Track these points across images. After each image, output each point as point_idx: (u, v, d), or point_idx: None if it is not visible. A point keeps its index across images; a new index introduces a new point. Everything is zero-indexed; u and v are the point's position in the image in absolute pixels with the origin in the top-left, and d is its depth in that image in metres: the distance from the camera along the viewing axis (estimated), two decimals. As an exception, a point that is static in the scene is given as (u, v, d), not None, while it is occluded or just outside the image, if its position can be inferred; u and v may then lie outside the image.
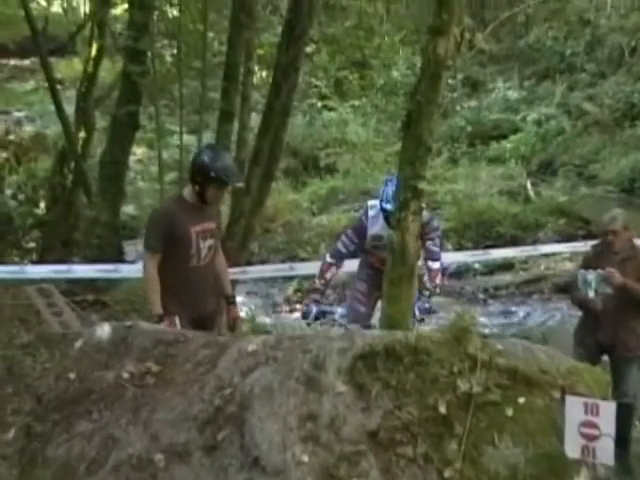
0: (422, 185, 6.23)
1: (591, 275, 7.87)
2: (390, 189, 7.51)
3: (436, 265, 7.92)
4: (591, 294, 7.85)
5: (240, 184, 7.57)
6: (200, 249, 7.12)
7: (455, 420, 4.39)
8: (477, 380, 4.48)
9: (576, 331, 8.57)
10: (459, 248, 16.42)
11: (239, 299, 14.28)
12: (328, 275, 8.07)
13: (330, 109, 23.78)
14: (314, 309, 7.84)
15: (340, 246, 8.17)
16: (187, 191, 7.20)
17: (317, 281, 8.13)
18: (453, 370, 4.52)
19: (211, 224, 7.24)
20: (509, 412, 4.42)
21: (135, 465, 4.62)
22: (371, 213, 8.08)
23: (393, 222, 6.25)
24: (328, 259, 8.18)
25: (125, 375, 5.03)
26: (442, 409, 4.41)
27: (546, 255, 15.44)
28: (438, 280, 7.95)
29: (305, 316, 7.87)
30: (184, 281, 7.05)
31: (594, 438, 4.14)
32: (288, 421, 4.44)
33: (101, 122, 16.80)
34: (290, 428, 4.42)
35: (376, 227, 7.99)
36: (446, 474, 4.27)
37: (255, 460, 4.37)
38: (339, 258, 8.15)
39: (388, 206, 7.50)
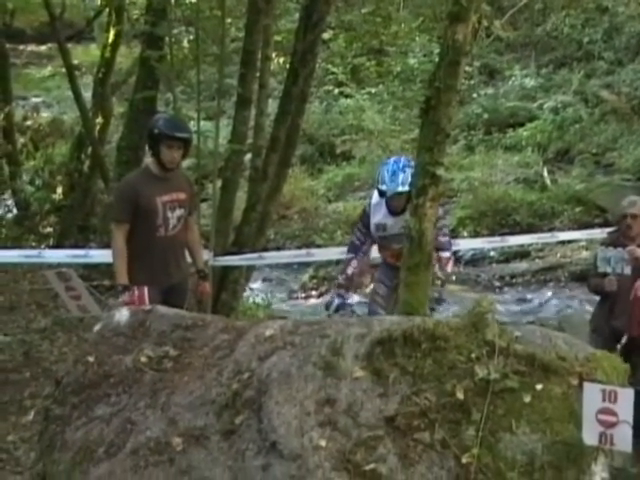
0: (440, 171, 6.23)
1: (611, 252, 7.89)
2: (385, 171, 7.77)
3: (447, 254, 7.98)
4: (609, 270, 7.86)
5: (184, 135, 7.26)
6: (167, 219, 7.19)
7: (473, 406, 4.38)
8: (495, 366, 4.47)
9: (592, 318, 8.58)
10: (475, 235, 16.38)
11: (255, 285, 14.38)
12: (350, 270, 8.17)
13: (347, 96, 23.71)
14: (336, 301, 8.08)
15: (354, 239, 8.32)
16: (150, 161, 7.36)
17: (340, 277, 8.29)
18: (471, 356, 4.52)
19: (180, 194, 7.30)
20: (527, 399, 4.40)
21: (153, 449, 4.64)
22: (373, 201, 8.16)
23: (410, 209, 6.23)
24: (347, 255, 8.33)
25: (143, 359, 5.04)
26: (460, 395, 4.41)
27: (562, 243, 15.40)
28: (449, 268, 8.03)
29: (327, 307, 8.16)
30: (151, 251, 7.12)
31: (612, 425, 4.13)
32: (306, 406, 4.45)
33: (118, 108, 16.80)
34: (308, 413, 4.43)
35: (378, 216, 8.06)
36: (463, 460, 4.26)
37: (272, 444, 4.38)
38: (355, 251, 8.22)
39: (383, 187, 7.76)
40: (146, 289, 6.94)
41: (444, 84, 6.31)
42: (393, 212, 7.90)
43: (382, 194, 7.87)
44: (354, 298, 8.29)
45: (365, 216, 8.22)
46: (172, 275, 7.29)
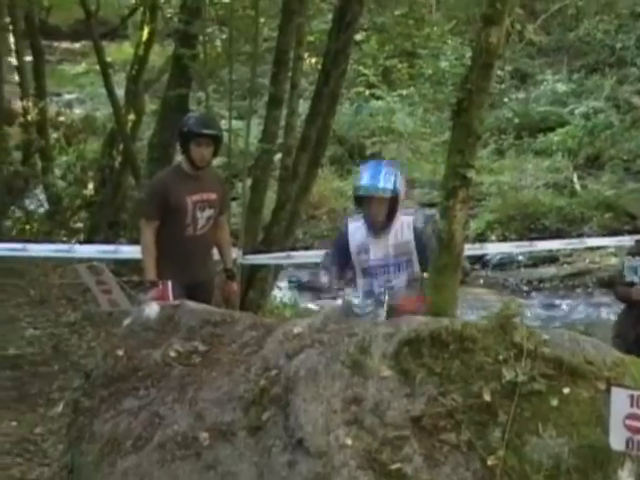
0: (470, 174, 6.22)
1: (638, 262, 7.87)
2: (364, 170, 6.70)
3: None
4: (636, 279, 7.84)
5: (212, 132, 7.26)
6: (196, 219, 7.20)
7: (499, 408, 4.38)
8: (522, 369, 4.46)
9: (616, 323, 8.54)
10: (503, 239, 16.36)
11: (282, 284, 14.39)
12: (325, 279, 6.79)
13: (377, 98, 23.68)
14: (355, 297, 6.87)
15: (321, 273, 6.94)
16: (181, 159, 7.41)
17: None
18: (498, 358, 4.51)
19: (211, 194, 7.29)
20: (554, 402, 4.40)
21: (180, 443, 4.67)
22: (351, 226, 6.85)
23: (440, 211, 6.23)
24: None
25: (172, 354, 5.06)
26: (487, 397, 4.40)
27: (591, 249, 15.34)
28: None
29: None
30: (178, 249, 7.12)
31: (639, 431, 4.12)
32: (332, 404, 4.45)
33: (150, 105, 16.87)
34: (334, 411, 4.44)
35: (358, 237, 6.74)
36: (489, 462, 4.26)
37: (299, 441, 4.39)
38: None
39: (360, 182, 6.59)
40: (170, 284, 6.96)
41: (476, 86, 6.29)
42: (374, 230, 6.61)
43: (358, 200, 6.68)
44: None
45: (338, 237, 7.04)
46: (198, 273, 7.30)
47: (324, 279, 6.79)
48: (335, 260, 6.82)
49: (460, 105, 6.53)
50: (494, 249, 14.26)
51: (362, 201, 6.60)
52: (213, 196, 7.29)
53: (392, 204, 6.45)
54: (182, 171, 7.31)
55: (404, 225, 6.58)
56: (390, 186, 6.42)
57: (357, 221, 6.78)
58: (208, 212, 7.24)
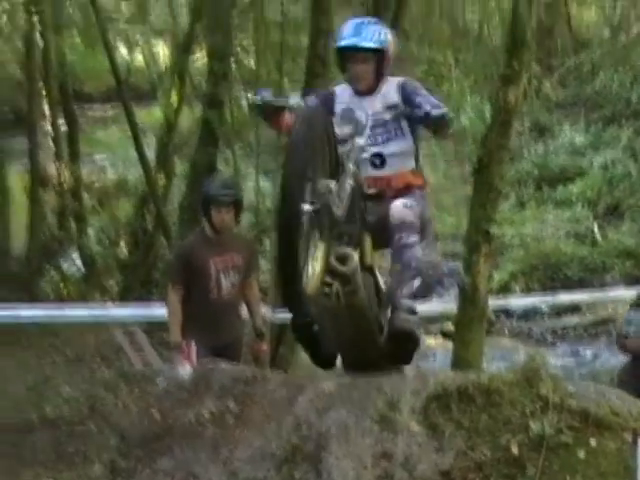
0: (493, 229, 6.25)
1: (634, 315, 7.93)
2: (347, 25, 5.60)
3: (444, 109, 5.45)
4: (631, 332, 7.88)
5: (230, 197, 7.12)
6: (220, 282, 7.12)
7: (527, 461, 4.35)
8: (549, 421, 4.43)
9: (620, 370, 8.53)
10: (527, 289, 16.33)
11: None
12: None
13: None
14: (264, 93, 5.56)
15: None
16: (204, 224, 7.29)
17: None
18: (525, 411, 4.49)
19: (235, 258, 7.23)
20: (581, 454, 4.37)
21: (215, 501, 4.66)
22: (338, 89, 5.86)
23: (464, 265, 6.23)
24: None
25: (205, 413, 5.06)
26: (514, 450, 4.38)
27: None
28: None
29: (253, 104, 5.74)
30: (204, 312, 7.05)
31: (666, 481, 4.09)
32: (363, 460, 4.44)
33: (180, 167, 16.99)
34: (365, 466, 4.42)
35: (343, 99, 5.76)
36: (518, 515, 4.25)
37: (331, 498, 4.38)
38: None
39: (342, 43, 5.53)
40: (194, 347, 6.95)
41: (496, 144, 6.37)
42: (360, 93, 5.67)
43: (341, 60, 5.65)
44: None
45: (325, 94, 5.98)
46: (224, 335, 7.22)
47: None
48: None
49: (481, 162, 6.61)
50: (517, 302, 14.23)
51: (345, 61, 5.64)
52: (238, 259, 7.24)
53: (379, 61, 5.55)
54: (205, 235, 7.28)
55: (391, 88, 5.65)
56: (375, 39, 5.48)
57: (343, 85, 5.84)
58: (233, 275, 7.18)
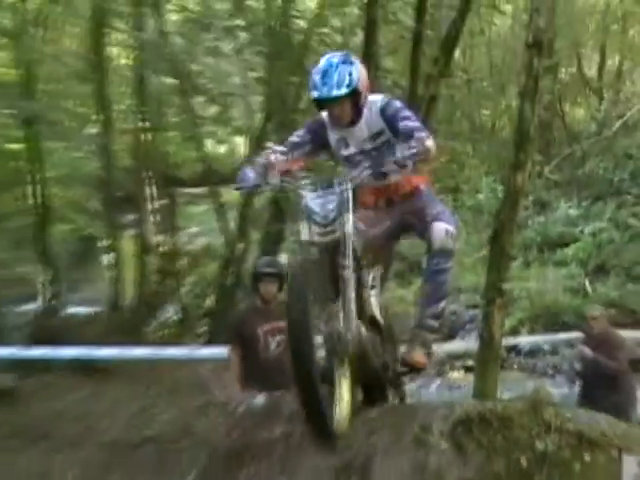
0: (505, 286, 6.23)
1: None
2: (315, 73, 4.75)
3: (422, 134, 4.65)
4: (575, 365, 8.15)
5: (273, 271, 6.94)
6: (268, 344, 7.01)
7: (534, 474, 4.30)
8: (551, 441, 4.39)
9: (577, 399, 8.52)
10: (532, 332, 16.32)
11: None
12: (272, 157, 4.78)
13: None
14: (250, 175, 4.74)
15: (292, 137, 5.14)
16: (254, 295, 7.24)
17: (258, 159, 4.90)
18: (532, 433, 4.44)
19: (280, 323, 6.81)
20: (577, 468, 4.31)
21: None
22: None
23: (482, 315, 6.21)
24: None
25: (276, 434, 5.06)
26: (524, 464, 4.33)
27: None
28: (429, 143, 4.62)
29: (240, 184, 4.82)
30: (256, 369, 6.94)
31: (647, 490, 4.04)
32: (403, 472, 4.41)
33: (255, 236, 17.15)
34: (404, 477, 4.40)
35: (335, 129, 5.04)
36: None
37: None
38: (291, 148, 5.01)
39: (314, 94, 4.75)
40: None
41: (507, 217, 6.37)
42: (345, 125, 4.95)
43: (318, 107, 4.91)
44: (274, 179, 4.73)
45: (317, 122, 5.11)
46: (273, 386, 7.08)
47: (272, 157, 4.76)
48: (306, 139, 5.06)
49: (495, 232, 6.62)
50: (525, 342, 14.24)
51: (321, 107, 4.91)
52: (283, 324, 7.19)
53: (354, 99, 4.77)
54: (255, 304, 7.25)
55: (374, 112, 4.89)
56: (345, 83, 4.69)
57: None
58: (279, 337, 7.00)
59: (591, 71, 27.47)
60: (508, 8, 24.47)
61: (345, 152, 5.05)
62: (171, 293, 16.65)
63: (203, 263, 18.55)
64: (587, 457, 4.36)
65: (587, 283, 18.57)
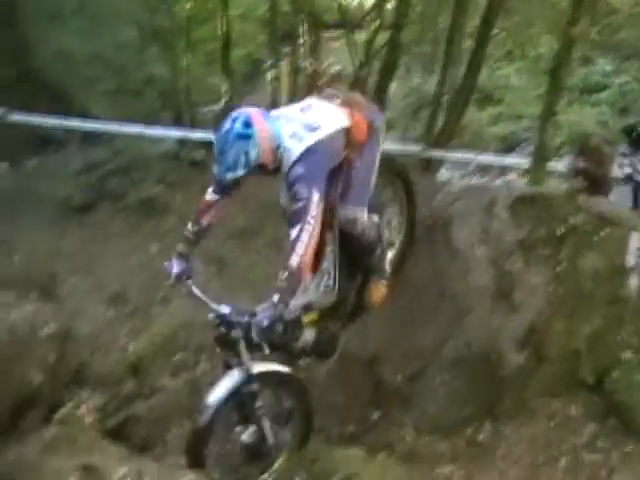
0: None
1: None
2: (215, 147, 3.28)
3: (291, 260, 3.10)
4: None
5: None
6: None
7: (566, 239, 4.29)
8: (580, 218, 4.35)
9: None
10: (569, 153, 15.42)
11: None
12: (206, 220, 3.47)
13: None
14: (175, 268, 3.46)
15: None
16: None
17: (189, 227, 3.50)
18: (567, 211, 4.39)
19: None
20: (596, 238, 4.31)
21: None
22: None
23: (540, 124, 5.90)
24: (208, 195, 3.49)
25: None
26: (559, 232, 4.31)
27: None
28: (294, 265, 3.07)
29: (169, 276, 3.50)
30: None
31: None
32: (473, 230, 4.38)
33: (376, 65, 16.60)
34: (473, 233, 4.36)
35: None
36: (557, 269, 4.23)
37: (454, 251, 4.34)
38: (222, 189, 3.44)
39: (214, 172, 3.35)
40: None
41: (564, 58, 6.00)
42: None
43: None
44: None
45: None
46: None
47: (206, 219, 3.49)
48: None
49: (554, 67, 6.15)
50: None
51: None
52: None
53: (259, 167, 3.25)
54: None
55: (290, 164, 3.27)
56: (242, 164, 3.20)
57: None
58: None
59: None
60: None
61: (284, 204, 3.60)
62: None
63: (336, 83, 18.20)
64: (605, 231, 4.31)
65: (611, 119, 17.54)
